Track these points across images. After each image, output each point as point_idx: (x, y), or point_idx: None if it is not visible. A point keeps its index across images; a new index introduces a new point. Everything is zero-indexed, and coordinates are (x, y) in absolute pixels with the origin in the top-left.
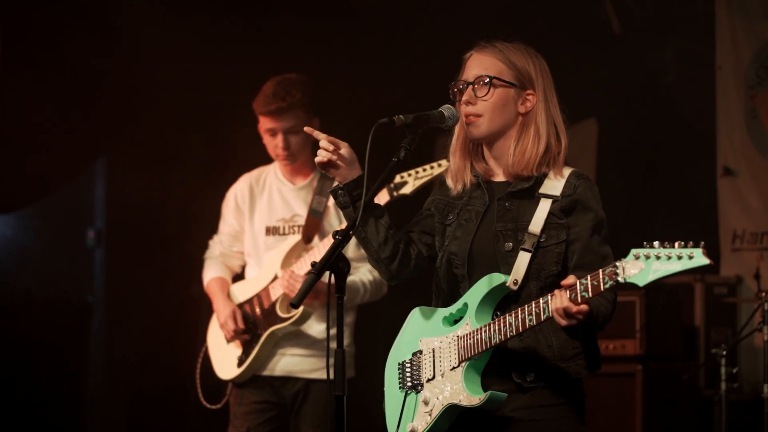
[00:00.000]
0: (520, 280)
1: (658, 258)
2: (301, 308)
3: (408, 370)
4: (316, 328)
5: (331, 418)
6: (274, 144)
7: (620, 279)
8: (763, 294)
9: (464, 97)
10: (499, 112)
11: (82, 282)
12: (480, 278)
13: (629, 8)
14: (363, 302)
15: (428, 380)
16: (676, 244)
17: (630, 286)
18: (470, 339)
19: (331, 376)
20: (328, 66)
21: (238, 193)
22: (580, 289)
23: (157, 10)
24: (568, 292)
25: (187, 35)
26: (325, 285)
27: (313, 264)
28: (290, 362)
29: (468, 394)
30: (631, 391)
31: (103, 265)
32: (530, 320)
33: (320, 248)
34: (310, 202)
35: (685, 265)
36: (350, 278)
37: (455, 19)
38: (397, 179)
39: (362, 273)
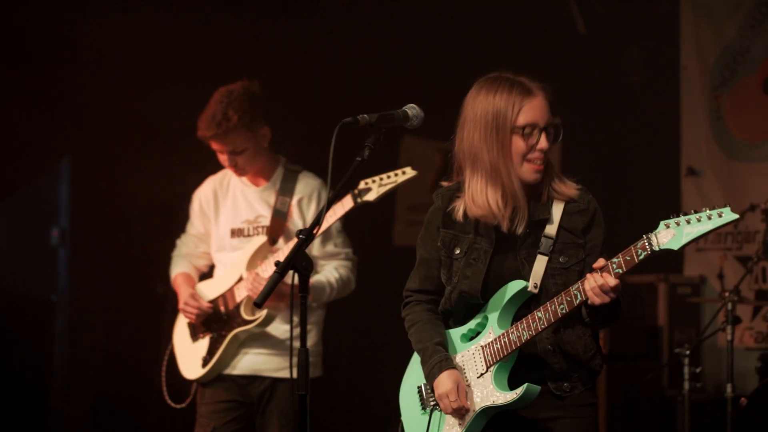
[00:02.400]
0: (539, 283)
1: (688, 222)
2: (264, 311)
3: (430, 389)
4: (281, 327)
5: (295, 417)
6: (224, 159)
7: (655, 248)
8: (727, 294)
9: (541, 145)
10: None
11: (46, 281)
12: None
13: (594, 8)
14: (330, 300)
15: None
16: (704, 209)
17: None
18: (497, 344)
19: (295, 375)
20: (290, 67)
21: (202, 196)
22: (613, 267)
23: (120, 12)
24: (600, 272)
25: (150, 36)
26: (290, 287)
27: (277, 263)
28: (256, 361)
29: (502, 393)
30: None
31: (67, 264)
32: (562, 309)
33: (285, 250)
34: (273, 203)
35: (716, 222)
36: (316, 277)
37: (421, 20)
38: (362, 185)
39: (328, 271)
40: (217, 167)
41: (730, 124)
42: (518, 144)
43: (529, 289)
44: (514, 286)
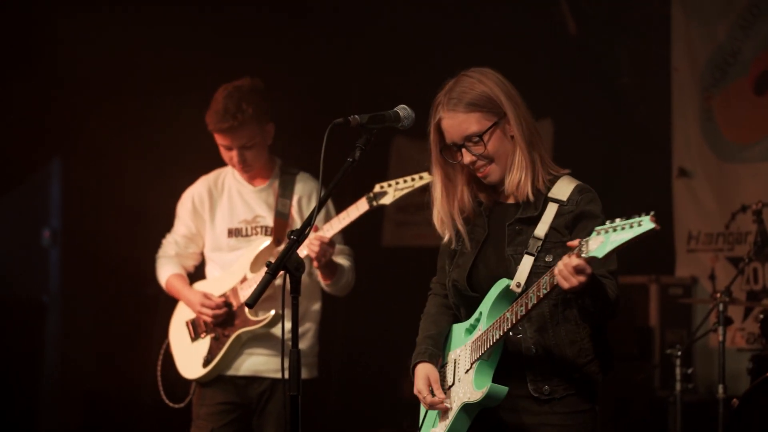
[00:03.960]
0: (522, 283)
1: (614, 230)
2: (272, 311)
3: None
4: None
5: (286, 418)
6: (229, 157)
7: (583, 255)
8: (718, 295)
9: (466, 160)
10: (502, 151)
11: (37, 281)
12: None
13: (585, 9)
14: (344, 286)
15: (449, 387)
16: (635, 216)
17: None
18: (479, 341)
19: (287, 375)
20: (283, 66)
21: (195, 195)
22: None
23: (107, 11)
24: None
25: (140, 36)
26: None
27: (268, 264)
28: (256, 362)
29: (474, 391)
30: None
31: (58, 265)
32: (520, 310)
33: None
34: (273, 204)
35: (635, 231)
36: (336, 260)
37: (412, 21)
38: (377, 189)
39: (342, 259)
40: (208, 168)
41: (722, 126)
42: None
43: (511, 287)
44: (499, 285)
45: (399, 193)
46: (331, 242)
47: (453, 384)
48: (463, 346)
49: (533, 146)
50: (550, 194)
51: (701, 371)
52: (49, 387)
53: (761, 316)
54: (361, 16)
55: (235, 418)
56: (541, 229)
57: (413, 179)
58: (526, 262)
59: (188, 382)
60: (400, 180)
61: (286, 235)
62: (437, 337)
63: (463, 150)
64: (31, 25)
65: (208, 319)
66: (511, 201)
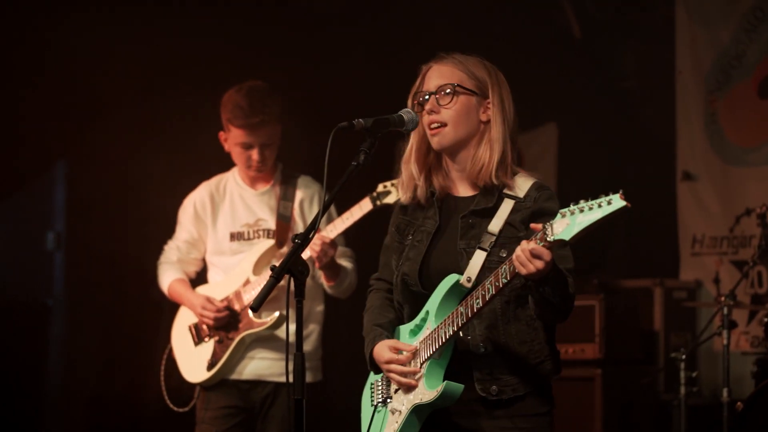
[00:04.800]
0: (473, 278)
1: (581, 211)
2: (276, 313)
3: (379, 386)
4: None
5: (291, 423)
6: (247, 156)
7: (549, 238)
8: (723, 298)
9: (427, 107)
10: (464, 120)
11: (41, 285)
12: None
13: (589, 13)
14: (346, 289)
15: (396, 391)
16: (601, 195)
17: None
18: (429, 339)
19: (291, 379)
20: (288, 69)
21: (197, 201)
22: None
23: (116, 13)
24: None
25: (147, 41)
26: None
27: (273, 267)
28: (260, 366)
29: (427, 391)
30: (590, 396)
31: (63, 268)
32: (477, 303)
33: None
34: (275, 207)
35: (605, 211)
36: (340, 262)
37: (417, 25)
38: (380, 188)
39: (344, 261)
40: (213, 172)
41: (726, 129)
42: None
43: (461, 282)
44: (449, 281)
45: None
46: (333, 243)
47: (399, 388)
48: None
49: (510, 139)
50: (506, 190)
51: (706, 375)
52: (54, 391)
53: (766, 319)
54: (364, 18)
55: (239, 422)
56: (496, 225)
57: None
58: (478, 257)
59: (192, 386)
60: None
61: (290, 238)
62: (387, 326)
63: (431, 97)
64: (36, 29)
65: (210, 323)
66: (463, 194)
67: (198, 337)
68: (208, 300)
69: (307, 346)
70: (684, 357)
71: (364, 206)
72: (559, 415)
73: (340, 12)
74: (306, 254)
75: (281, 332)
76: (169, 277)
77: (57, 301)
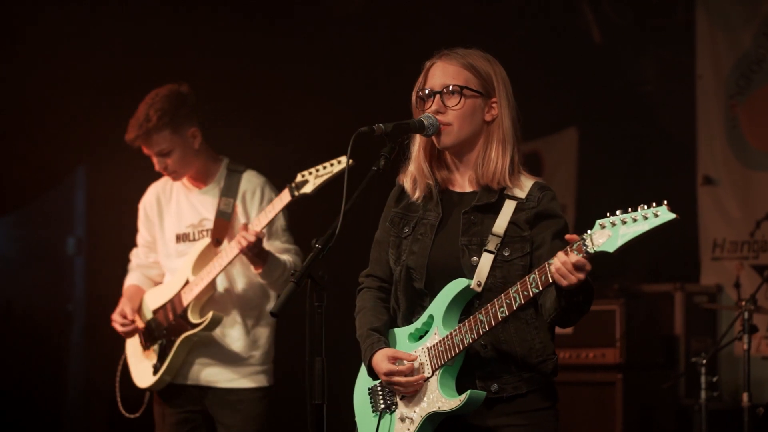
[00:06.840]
0: (483, 282)
1: (624, 223)
2: (210, 313)
3: (379, 392)
4: (234, 335)
5: (311, 426)
6: (154, 164)
7: (590, 250)
8: (743, 303)
9: (433, 107)
10: (468, 120)
11: (62, 290)
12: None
13: (609, 18)
14: (277, 282)
15: (402, 398)
16: (639, 207)
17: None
18: (441, 346)
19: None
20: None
21: (146, 204)
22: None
23: (135, 20)
24: (567, 250)
25: (164, 44)
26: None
27: (293, 273)
28: (210, 372)
29: (447, 399)
30: (611, 400)
31: (83, 274)
32: (502, 312)
33: (227, 251)
34: (217, 204)
35: (652, 223)
36: (276, 254)
37: (432, 30)
38: (299, 178)
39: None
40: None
41: (747, 133)
42: None
43: (472, 287)
44: (457, 285)
45: (319, 180)
46: (258, 234)
47: (404, 396)
48: (413, 352)
49: (516, 137)
50: (507, 191)
51: (726, 379)
52: (74, 396)
53: None
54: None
55: (194, 426)
56: (500, 226)
57: (332, 164)
58: (486, 260)
59: (143, 391)
60: (320, 167)
61: (311, 243)
62: (383, 330)
63: (436, 97)
64: (57, 34)
65: (120, 330)
66: (464, 189)
67: (145, 343)
68: (121, 311)
69: (258, 350)
70: (705, 361)
71: (284, 197)
72: (580, 420)
73: (356, 14)
74: (234, 250)
75: (229, 337)
76: (126, 282)
77: (77, 305)
